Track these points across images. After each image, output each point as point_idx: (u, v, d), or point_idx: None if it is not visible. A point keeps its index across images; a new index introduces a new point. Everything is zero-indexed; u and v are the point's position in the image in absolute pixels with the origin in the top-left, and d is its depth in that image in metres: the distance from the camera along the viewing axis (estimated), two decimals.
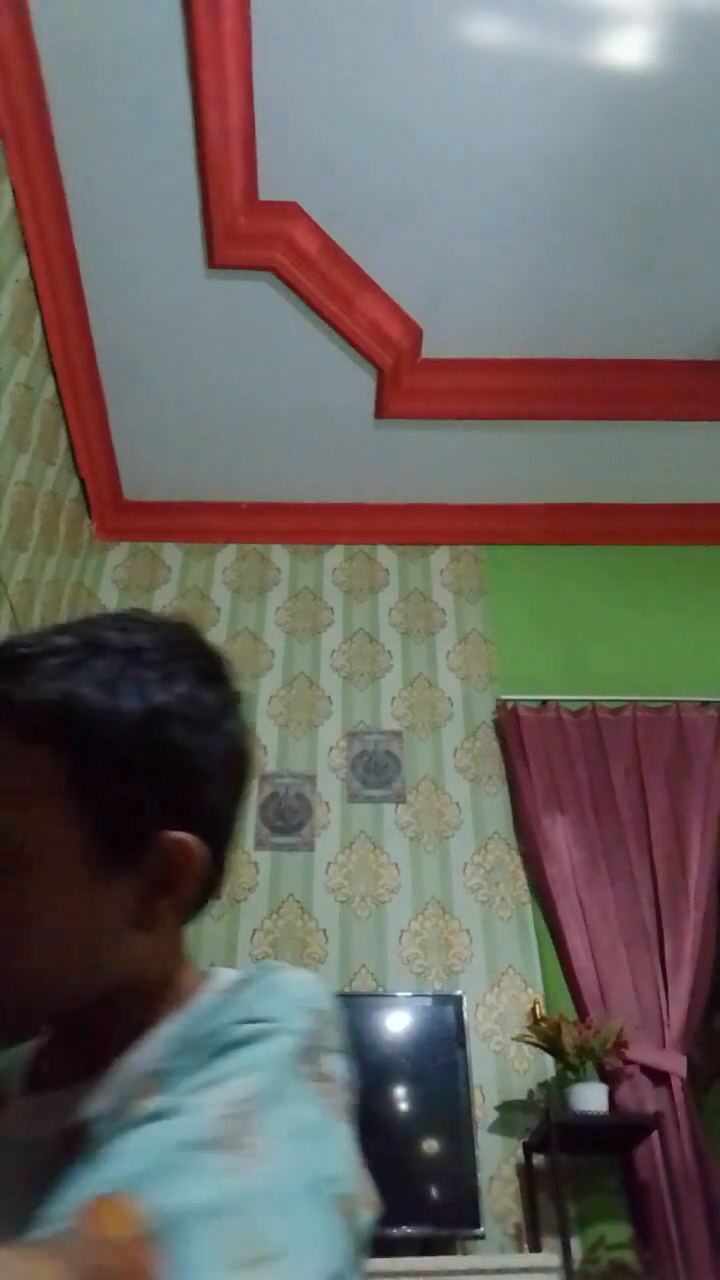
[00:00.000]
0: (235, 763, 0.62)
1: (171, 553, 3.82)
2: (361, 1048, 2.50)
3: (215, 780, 0.60)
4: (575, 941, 2.75)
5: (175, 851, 0.57)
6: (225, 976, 0.61)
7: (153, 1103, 0.47)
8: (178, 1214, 0.39)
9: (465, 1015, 2.58)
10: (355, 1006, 2.61)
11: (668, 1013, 2.61)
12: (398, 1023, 2.58)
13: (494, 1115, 2.56)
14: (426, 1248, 2.22)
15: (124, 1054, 0.55)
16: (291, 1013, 0.51)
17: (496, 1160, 2.49)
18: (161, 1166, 0.41)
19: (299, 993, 0.53)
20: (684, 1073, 2.53)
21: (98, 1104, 0.54)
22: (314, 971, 2.73)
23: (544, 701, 3.28)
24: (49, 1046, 0.64)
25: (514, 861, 3.03)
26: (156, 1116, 0.44)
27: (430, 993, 2.69)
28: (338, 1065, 0.53)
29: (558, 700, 3.28)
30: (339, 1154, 0.48)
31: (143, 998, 0.59)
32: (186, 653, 0.60)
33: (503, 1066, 2.63)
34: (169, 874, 0.57)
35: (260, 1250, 0.39)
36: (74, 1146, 0.52)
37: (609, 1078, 2.50)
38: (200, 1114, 0.44)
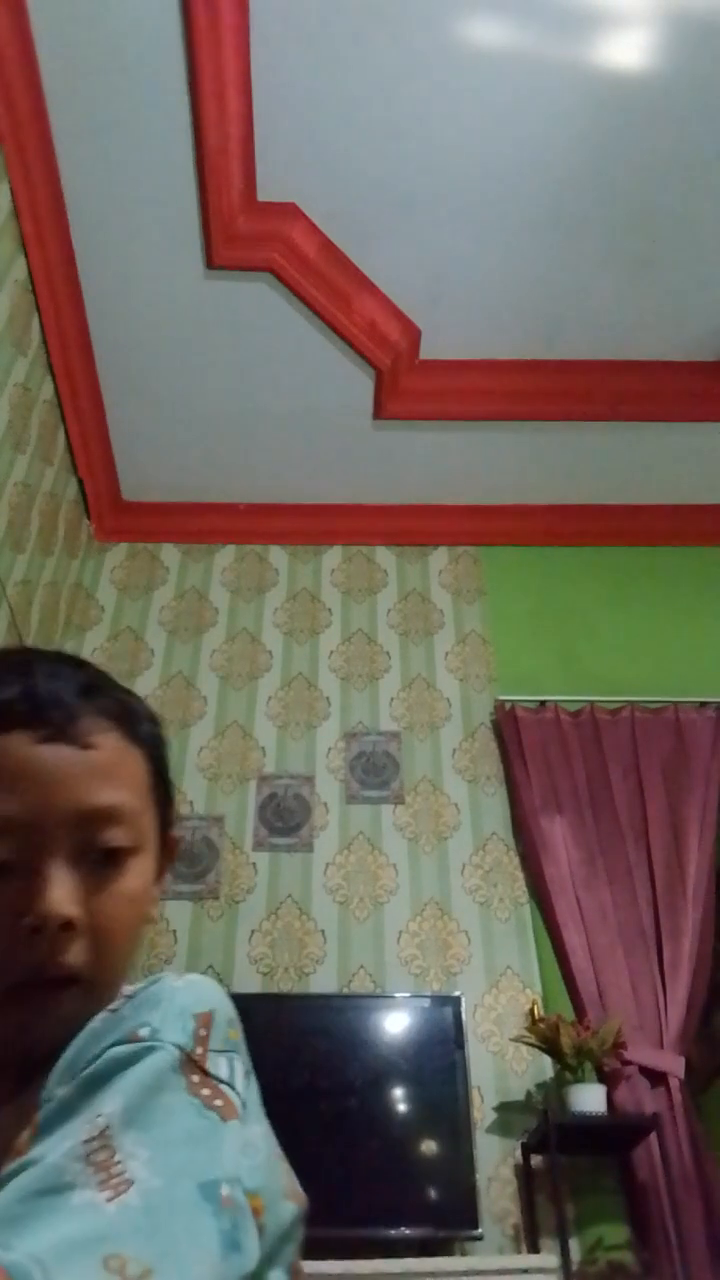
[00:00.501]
0: None
1: (170, 553, 3.82)
2: (360, 1049, 2.50)
3: None
4: (573, 942, 2.75)
5: (174, 847, 0.67)
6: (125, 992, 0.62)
7: (30, 1146, 0.46)
8: (36, 1260, 0.38)
9: (463, 1016, 2.58)
10: (353, 1008, 2.61)
11: (666, 1013, 2.61)
12: (396, 1024, 2.58)
13: (492, 1116, 2.56)
14: (425, 1249, 2.22)
15: (39, 1079, 0.55)
16: (168, 1024, 0.51)
17: (495, 1161, 2.49)
18: (22, 1216, 0.41)
19: (180, 999, 0.53)
20: (682, 1073, 2.53)
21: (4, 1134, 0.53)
22: (311, 973, 2.74)
23: (542, 702, 3.28)
24: None
25: (512, 862, 3.03)
26: (22, 1167, 0.44)
27: (428, 994, 2.69)
28: (231, 1064, 0.52)
29: (556, 701, 3.28)
30: (231, 1154, 0.48)
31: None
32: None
33: (501, 1067, 2.63)
34: (164, 869, 0.65)
35: (127, 1272, 0.39)
36: None
37: (607, 1078, 2.50)
38: (59, 1154, 0.44)
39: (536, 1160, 2.48)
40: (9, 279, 2.75)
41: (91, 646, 3.51)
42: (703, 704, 3.28)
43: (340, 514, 3.85)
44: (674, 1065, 2.53)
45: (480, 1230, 2.27)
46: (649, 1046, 2.56)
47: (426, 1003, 2.63)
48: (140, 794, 0.61)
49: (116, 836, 0.58)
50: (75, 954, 0.54)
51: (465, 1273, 2.07)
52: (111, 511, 3.81)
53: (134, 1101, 0.46)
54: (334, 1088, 2.41)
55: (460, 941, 2.85)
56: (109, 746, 0.59)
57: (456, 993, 2.66)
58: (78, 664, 0.64)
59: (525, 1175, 2.46)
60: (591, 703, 3.27)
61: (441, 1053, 2.50)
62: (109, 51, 2.52)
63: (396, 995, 2.68)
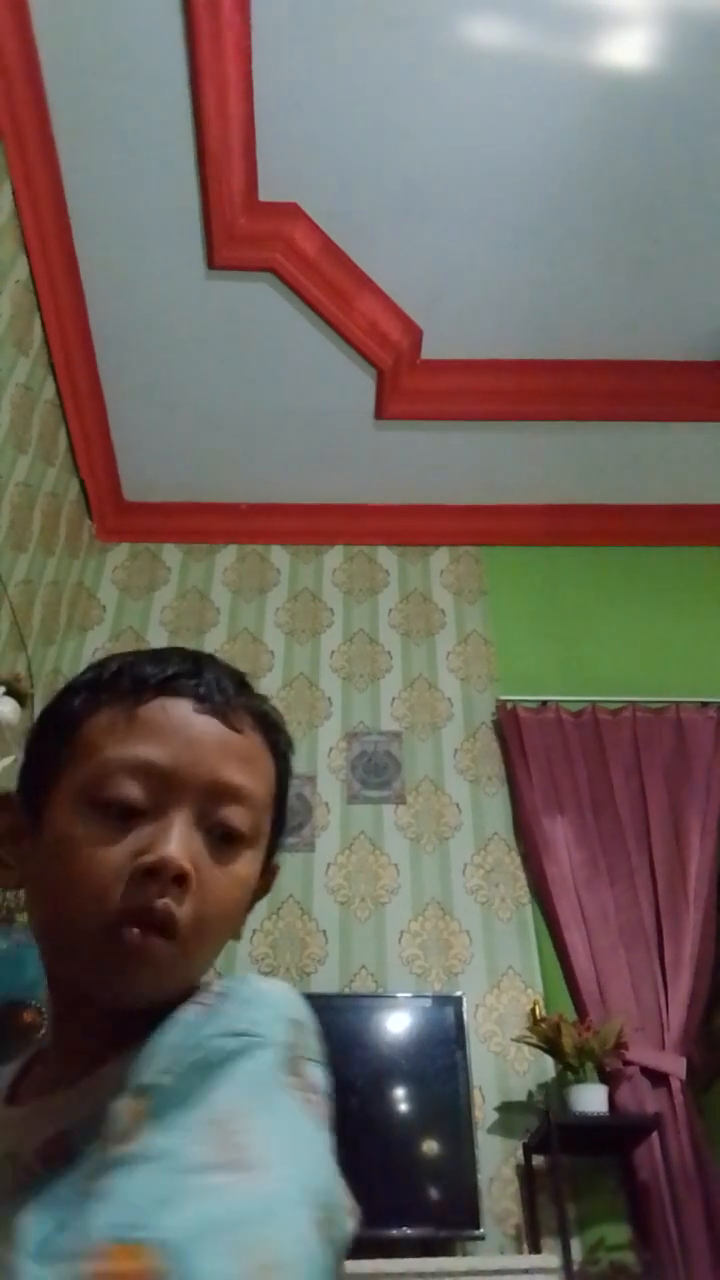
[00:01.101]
0: None
1: (171, 553, 3.82)
2: (361, 1049, 2.50)
3: None
4: (575, 942, 2.75)
5: (274, 878, 0.69)
6: (208, 988, 0.63)
7: (144, 1128, 0.47)
8: (185, 1239, 0.40)
9: (465, 1016, 2.58)
10: (355, 1007, 2.61)
11: (667, 1014, 2.61)
12: (397, 1024, 2.58)
13: (494, 1116, 2.56)
14: (426, 1249, 2.22)
15: (116, 1061, 0.56)
16: (273, 1024, 0.53)
17: (496, 1161, 2.49)
18: (164, 1198, 0.42)
19: (279, 1003, 0.55)
20: (683, 1074, 2.53)
21: (78, 1112, 0.54)
22: (313, 973, 2.74)
23: (544, 702, 3.28)
24: (38, 1056, 0.65)
25: (514, 862, 3.03)
26: (152, 1148, 0.45)
27: (430, 994, 2.69)
28: (319, 1075, 0.54)
29: (557, 701, 3.28)
30: (325, 1164, 0.50)
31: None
32: None
33: (502, 1067, 2.63)
34: (262, 891, 0.67)
35: (269, 1258, 0.41)
36: (53, 1157, 0.52)
37: (609, 1079, 2.50)
38: (194, 1136, 0.46)
39: (538, 1160, 2.48)
40: (10, 279, 2.75)
41: (93, 646, 3.52)
42: (704, 704, 3.28)
43: (342, 514, 3.85)
44: (675, 1066, 2.53)
45: (482, 1230, 2.27)
46: (650, 1047, 2.56)
47: (428, 1003, 2.63)
48: (266, 793, 0.64)
49: (238, 818, 0.60)
50: (177, 908, 0.55)
51: (467, 1273, 2.07)
52: (113, 511, 3.81)
53: (253, 1093, 0.48)
54: (335, 1087, 2.41)
55: (462, 941, 2.85)
56: (254, 739, 0.63)
57: (458, 993, 2.66)
58: (239, 671, 0.69)
59: (527, 1175, 2.46)
60: (593, 703, 3.27)
61: (443, 1053, 2.50)
62: (111, 52, 2.52)
63: (398, 995, 2.68)
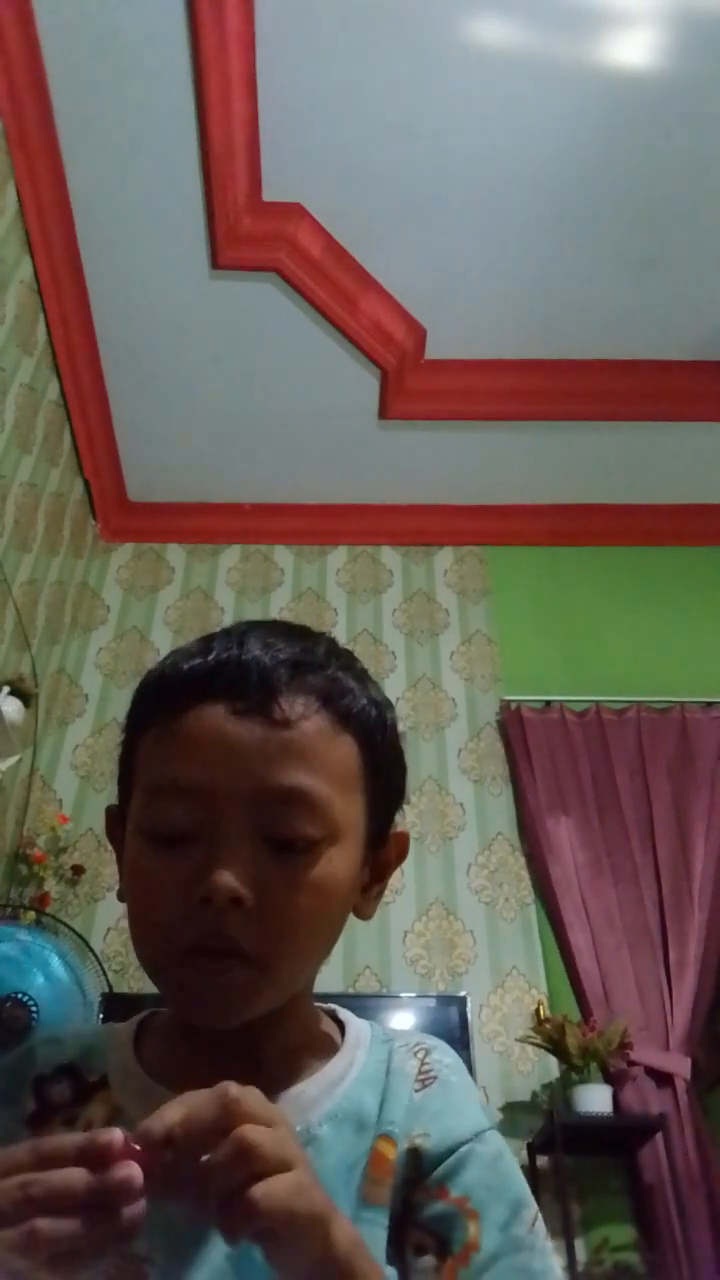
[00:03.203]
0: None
1: (175, 553, 3.82)
2: None
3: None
4: (579, 942, 2.75)
5: (403, 844, 0.65)
6: (355, 1024, 0.68)
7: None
8: None
9: (469, 1016, 2.58)
10: (359, 1008, 2.59)
11: (672, 1014, 2.61)
12: (401, 1024, 2.58)
13: (498, 1116, 2.56)
14: None
15: (296, 1067, 0.60)
16: (484, 1110, 0.65)
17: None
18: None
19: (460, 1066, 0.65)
20: (688, 1074, 2.52)
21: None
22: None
23: (548, 702, 3.28)
24: (153, 1024, 0.65)
25: (518, 862, 3.02)
26: (515, 1243, 0.56)
27: (434, 994, 2.69)
28: None
29: (561, 701, 3.28)
30: None
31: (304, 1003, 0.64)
32: (360, 663, 0.67)
33: (506, 1068, 2.63)
34: (390, 866, 0.64)
35: None
36: None
37: (613, 1079, 2.50)
38: (530, 1234, 0.57)
39: (542, 1161, 2.47)
40: (15, 280, 2.76)
41: (97, 646, 3.52)
42: (709, 704, 3.27)
43: (345, 514, 3.85)
44: (680, 1066, 2.52)
45: None
46: (655, 1047, 2.56)
47: (432, 1003, 2.63)
48: (340, 779, 0.58)
49: (300, 822, 0.55)
50: (242, 931, 0.54)
51: None
52: (117, 511, 3.81)
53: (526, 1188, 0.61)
54: None
55: (466, 941, 2.85)
56: (308, 728, 0.57)
57: (462, 993, 2.66)
58: (303, 636, 0.62)
59: (531, 1176, 2.45)
60: (597, 703, 3.27)
61: None
62: (115, 53, 2.52)
63: (402, 995, 2.68)
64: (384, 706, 0.63)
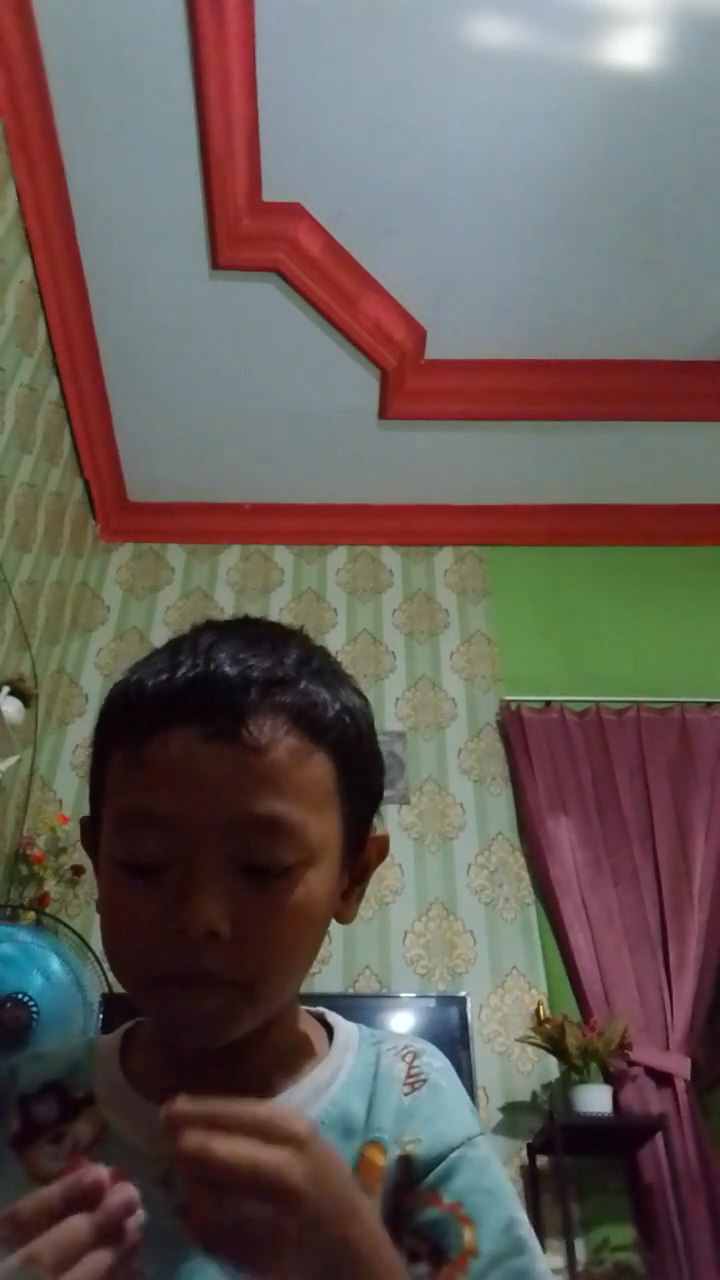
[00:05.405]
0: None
1: (175, 554, 3.82)
2: None
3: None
4: (579, 943, 2.75)
5: (382, 847, 0.64)
6: (343, 1027, 0.67)
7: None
8: None
9: (469, 1016, 2.58)
10: (359, 1008, 2.61)
11: (672, 1014, 2.61)
12: (401, 1024, 2.58)
13: (498, 1117, 2.56)
14: None
15: (282, 1074, 0.60)
16: (476, 1114, 0.64)
17: (500, 1162, 2.49)
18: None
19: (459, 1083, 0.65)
20: (688, 1074, 2.52)
21: None
22: (317, 974, 2.73)
23: (548, 702, 3.28)
24: (136, 1037, 0.65)
25: (518, 863, 3.02)
26: (514, 1244, 0.57)
27: (434, 994, 2.69)
28: None
29: (561, 701, 3.28)
30: None
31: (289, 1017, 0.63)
32: (333, 661, 0.64)
33: (506, 1068, 2.63)
34: (369, 868, 0.64)
35: None
36: None
37: (613, 1079, 2.50)
38: (526, 1236, 0.58)
39: (542, 1161, 2.47)
40: (15, 280, 2.76)
41: (97, 647, 3.52)
42: (709, 704, 3.27)
43: (345, 514, 3.85)
44: (680, 1066, 2.52)
45: None
46: (655, 1047, 2.56)
47: (432, 1003, 2.63)
48: (315, 800, 0.56)
49: (276, 848, 0.54)
50: (219, 962, 0.53)
51: None
52: (117, 512, 3.81)
53: (514, 1191, 0.61)
54: None
55: (466, 942, 2.85)
56: (280, 751, 0.54)
57: (462, 993, 2.66)
58: (272, 642, 0.59)
59: (531, 1176, 2.45)
60: (597, 703, 3.27)
61: (447, 1053, 2.48)
62: (115, 52, 2.52)
63: (402, 995, 2.68)
64: (358, 712, 0.61)
